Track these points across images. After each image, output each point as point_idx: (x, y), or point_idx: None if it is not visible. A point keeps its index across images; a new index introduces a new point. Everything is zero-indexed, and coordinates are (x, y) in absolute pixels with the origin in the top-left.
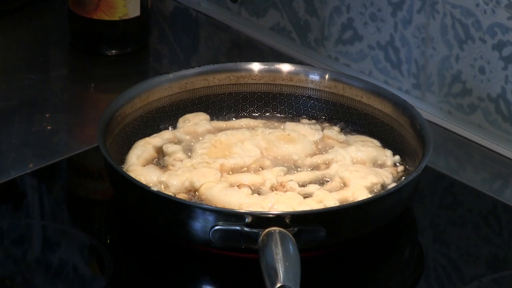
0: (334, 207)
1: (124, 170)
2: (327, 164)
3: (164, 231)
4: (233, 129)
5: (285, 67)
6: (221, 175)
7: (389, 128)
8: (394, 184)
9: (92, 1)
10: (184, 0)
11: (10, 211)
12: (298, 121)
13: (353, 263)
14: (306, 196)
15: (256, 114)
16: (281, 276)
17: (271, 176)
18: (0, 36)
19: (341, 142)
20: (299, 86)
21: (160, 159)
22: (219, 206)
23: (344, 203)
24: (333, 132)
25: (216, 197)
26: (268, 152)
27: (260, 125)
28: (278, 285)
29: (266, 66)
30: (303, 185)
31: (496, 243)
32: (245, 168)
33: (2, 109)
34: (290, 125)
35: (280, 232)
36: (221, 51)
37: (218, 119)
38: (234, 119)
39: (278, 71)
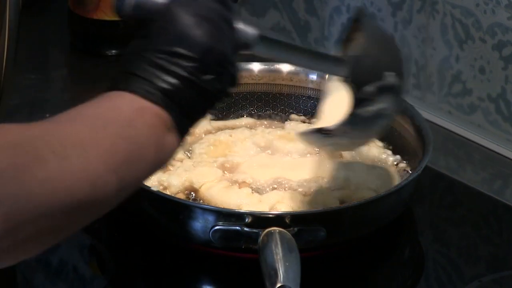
0: (334, 207)
1: None
2: (328, 163)
3: (164, 231)
4: (233, 128)
5: (285, 67)
6: (222, 174)
7: (389, 128)
8: (394, 184)
9: (92, 1)
10: None
11: None
12: (298, 121)
13: (353, 263)
14: (306, 195)
15: (256, 114)
16: (281, 276)
17: (272, 175)
18: None
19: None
20: (299, 86)
21: None
22: (219, 206)
23: (344, 203)
24: None
25: (216, 197)
26: (268, 151)
27: (260, 124)
28: (278, 285)
29: (266, 66)
30: (303, 185)
31: (496, 243)
32: (245, 168)
33: (2, 109)
34: (290, 125)
35: (280, 232)
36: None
37: (218, 119)
38: (234, 118)
39: (278, 71)
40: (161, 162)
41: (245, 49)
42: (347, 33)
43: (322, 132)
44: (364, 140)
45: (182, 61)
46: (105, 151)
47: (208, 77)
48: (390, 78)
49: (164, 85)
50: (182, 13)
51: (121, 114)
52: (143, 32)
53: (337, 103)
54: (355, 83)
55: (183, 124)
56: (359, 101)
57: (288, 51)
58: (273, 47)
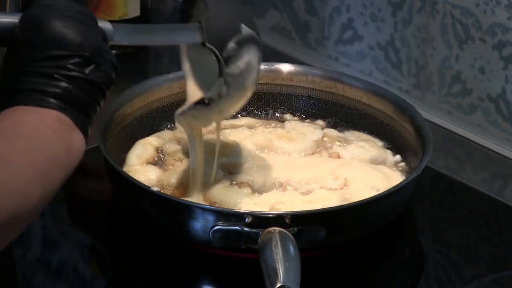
0: (334, 207)
1: (124, 170)
2: (327, 163)
3: (164, 231)
4: (232, 128)
5: (285, 67)
6: (222, 174)
7: (389, 128)
8: (394, 184)
9: (92, 1)
10: None
11: None
12: (298, 120)
13: (353, 263)
14: (306, 195)
15: (256, 114)
16: (281, 276)
17: (271, 175)
18: None
19: (341, 141)
20: (299, 86)
21: (160, 159)
22: (219, 206)
23: (344, 203)
24: (333, 131)
25: (216, 197)
26: (268, 151)
27: (260, 124)
28: (278, 285)
29: (266, 66)
30: (303, 185)
31: (496, 243)
32: (245, 168)
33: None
34: (290, 124)
35: (280, 232)
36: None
37: None
38: (233, 118)
39: (278, 71)
40: (73, 163)
41: (108, 41)
42: (184, 8)
43: (201, 102)
44: (242, 99)
45: (62, 62)
46: (25, 163)
47: (90, 68)
48: (245, 30)
49: (54, 90)
50: (44, 19)
51: (26, 127)
52: (10, 52)
53: (198, 82)
54: (214, 44)
55: (83, 121)
56: (225, 60)
57: (143, 33)
58: (129, 32)
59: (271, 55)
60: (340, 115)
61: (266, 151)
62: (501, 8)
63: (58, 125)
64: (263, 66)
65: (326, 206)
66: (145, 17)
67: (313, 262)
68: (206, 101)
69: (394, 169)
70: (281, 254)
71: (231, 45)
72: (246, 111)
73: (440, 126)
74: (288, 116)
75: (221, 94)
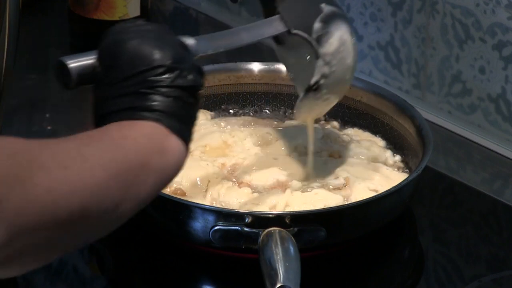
0: (334, 207)
1: None
2: (327, 163)
3: (164, 231)
4: (233, 128)
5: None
6: (222, 174)
7: (389, 128)
8: (394, 184)
9: (92, 1)
10: (184, 0)
11: None
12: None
13: (353, 263)
14: (306, 195)
15: (256, 114)
16: (281, 276)
17: (272, 175)
18: None
19: (341, 141)
20: None
21: None
22: (219, 206)
23: (344, 203)
24: (333, 131)
25: (216, 197)
26: (268, 151)
27: (260, 124)
28: (278, 285)
29: (266, 66)
30: (303, 185)
31: (496, 243)
32: (245, 168)
33: (2, 109)
34: (290, 124)
35: (280, 232)
36: (221, 51)
37: (218, 119)
38: (234, 116)
39: (278, 71)
40: (170, 168)
41: (188, 49)
42: (266, 7)
43: (311, 88)
44: (348, 77)
45: (144, 77)
46: (103, 160)
47: (174, 75)
48: (327, 7)
49: (143, 103)
50: (119, 44)
51: (113, 131)
52: (96, 80)
53: (304, 80)
54: (301, 28)
55: (178, 128)
56: (318, 41)
57: (226, 37)
58: (212, 41)
59: (271, 55)
60: (340, 115)
61: (266, 151)
62: (501, 8)
63: (151, 130)
64: (262, 66)
65: (326, 206)
66: (145, 17)
67: (313, 262)
68: (314, 87)
69: (394, 169)
70: (281, 254)
71: (317, 25)
72: (246, 111)
73: (440, 126)
74: (288, 116)
75: (324, 74)
